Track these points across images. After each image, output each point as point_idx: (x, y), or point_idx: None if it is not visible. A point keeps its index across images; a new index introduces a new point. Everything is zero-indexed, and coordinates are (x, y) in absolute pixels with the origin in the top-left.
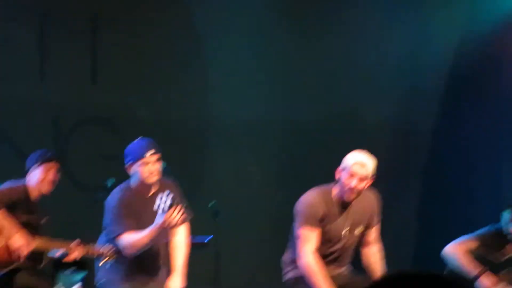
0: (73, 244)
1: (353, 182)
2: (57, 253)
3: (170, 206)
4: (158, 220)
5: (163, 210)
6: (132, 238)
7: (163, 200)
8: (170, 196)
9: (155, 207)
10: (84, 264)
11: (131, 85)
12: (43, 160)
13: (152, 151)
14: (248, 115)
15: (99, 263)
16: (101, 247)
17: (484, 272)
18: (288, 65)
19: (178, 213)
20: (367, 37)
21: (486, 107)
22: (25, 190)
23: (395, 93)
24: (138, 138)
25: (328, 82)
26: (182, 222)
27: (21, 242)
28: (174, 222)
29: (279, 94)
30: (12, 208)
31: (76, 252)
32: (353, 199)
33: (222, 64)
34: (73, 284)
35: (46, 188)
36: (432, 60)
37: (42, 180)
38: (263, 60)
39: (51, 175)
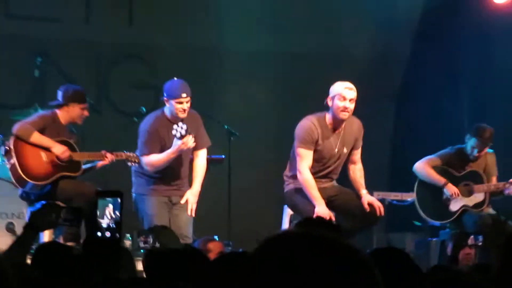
0: (103, 152)
1: (347, 103)
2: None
3: (184, 135)
4: (175, 144)
5: (179, 137)
6: (153, 159)
7: (178, 129)
8: (184, 126)
9: (173, 133)
10: (120, 193)
11: (159, 26)
12: (81, 100)
13: (185, 93)
14: (252, 47)
15: (129, 165)
16: (127, 153)
17: (448, 183)
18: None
19: (190, 140)
20: None
21: (449, 44)
22: (53, 117)
23: (373, 30)
24: (175, 78)
25: (320, 19)
26: (194, 146)
27: (61, 149)
28: (187, 147)
29: (280, 28)
30: (42, 131)
31: (108, 158)
32: (346, 120)
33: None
34: (115, 205)
35: (80, 122)
36: (401, 8)
37: (78, 117)
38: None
39: (86, 112)
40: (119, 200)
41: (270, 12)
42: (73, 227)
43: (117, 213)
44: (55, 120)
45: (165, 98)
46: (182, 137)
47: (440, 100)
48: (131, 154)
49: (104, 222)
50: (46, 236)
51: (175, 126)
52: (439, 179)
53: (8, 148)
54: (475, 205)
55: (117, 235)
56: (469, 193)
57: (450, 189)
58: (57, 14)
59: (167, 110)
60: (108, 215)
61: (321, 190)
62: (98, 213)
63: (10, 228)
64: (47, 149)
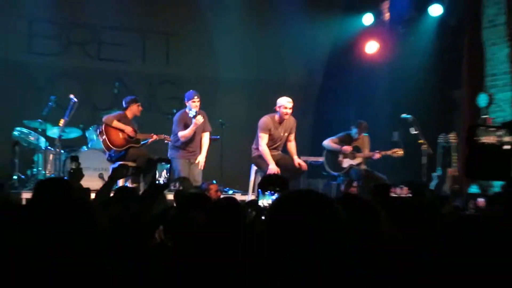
0: (152, 134)
1: (288, 110)
2: (148, 140)
3: (195, 115)
4: (192, 123)
5: (193, 116)
6: (183, 133)
7: (192, 112)
8: (195, 110)
9: (189, 114)
10: (169, 160)
11: (182, 64)
12: (136, 102)
13: (197, 96)
14: (237, 75)
15: (165, 142)
16: (164, 135)
17: (343, 147)
18: (255, 48)
19: (200, 118)
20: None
21: (344, 77)
22: (124, 115)
23: (301, 70)
24: (191, 90)
25: (272, 60)
26: (203, 126)
27: (130, 129)
28: (199, 122)
29: (251, 64)
30: (118, 121)
31: (154, 137)
32: (287, 119)
33: (223, 49)
34: (167, 170)
35: (139, 114)
36: (318, 53)
37: (137, 111)
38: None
39: (140, 107)
40: (169, 165)
41: (246, 54)
42: (135, 177)
43: (167, 174)
44: (126, 116)
45: (185, 101)
46: (194, 116)
47: (338, 107)
48: (166, 136)
49: (161, 180)
50: (120, 182)
51: (190, 111)
52: (337, 147)
53: (101, 130)
54: (357, 164)
55: (167, 184)
56: (353, 157)
57: (345, 148)
58: (126, 57)
59: (187, 108)
60: (163, 175)
61: (272, 156)
62: (157, 173)
63: (101, 176)
64: (122, 131)
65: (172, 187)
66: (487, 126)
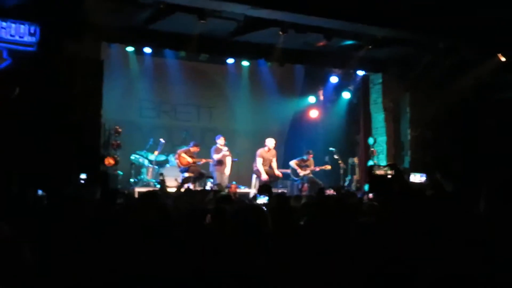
0: (204, 159)
1: (271, 146)
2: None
3: (226, 150)
4: (223, 153)
5: (225, 151)
6: (215, 157)
7: (224, 149)
8: (226, 148)
9: (222, 151)
10: (213, 176)
11: (216, 122)
12: (197, 145)
13: (222, 137)
14: (243, 127)
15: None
16: (207, 159)
17: (298, 168)
18: (250, 112)
19: (227, 152)
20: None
21: (300, 129)
22: (189, 150)
23: (278, 124)
24: (219, 134)
25: (259, 118)
26: (229, 156)
27: (190, 159)
28: (225, 154)
29: (249, 120)
30: (185, 153)
31: (203, 160)
32: (271, 150)
33: (237, 113)
34: (212, 182)
35: (197, 150)
36: (287, 115)
37: (197, 149)
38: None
39: (198, 148)
40: (212, 179)
41: (249, 116)
42: (193, 182)
43: (212, 184)
44: (189, 151)
45: (216, 140)
46: (225, 151)
47: (297, 143)
48: (209, 159)
49: (207, 187)
50: (187, 185)
51: (223, 148)
52: (296, 167)
53: (176, 157)
54: (307, 174)
55: (211, 190)
56: (305, 170)
57: (299, 170)
58: (189, 118)
59: (218, 144)
60: (208, 185)
61: (264, 169)
62: (206, 183)
63: (176, 180)
64: (185, 158)
65: (212, 189)
66: (378, 165)
